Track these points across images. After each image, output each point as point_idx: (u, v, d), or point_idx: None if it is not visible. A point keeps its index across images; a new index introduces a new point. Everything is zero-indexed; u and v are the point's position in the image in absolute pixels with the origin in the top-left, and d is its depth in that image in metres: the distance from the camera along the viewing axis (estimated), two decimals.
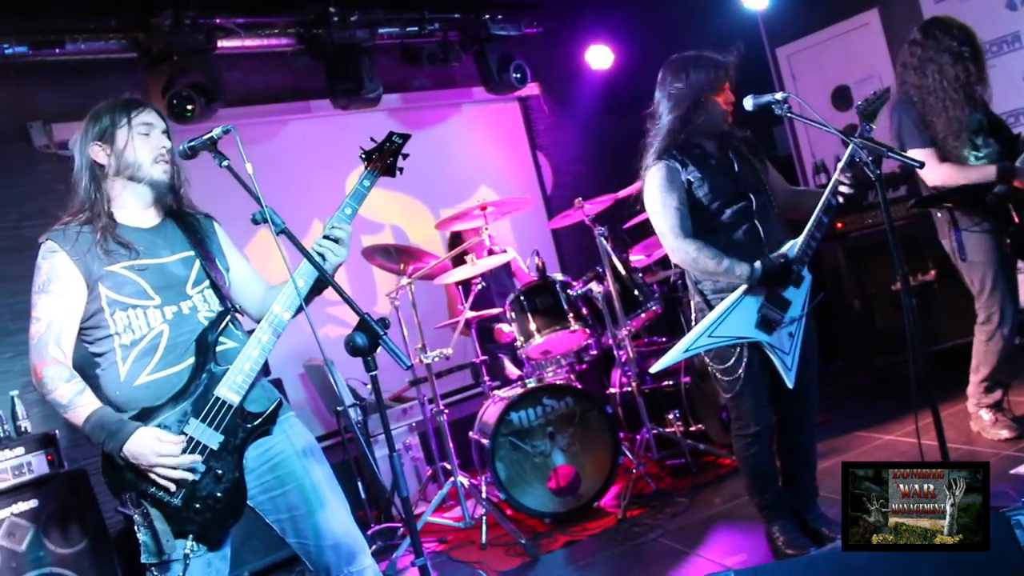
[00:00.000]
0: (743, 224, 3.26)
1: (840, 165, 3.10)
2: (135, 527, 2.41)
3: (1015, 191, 3.91)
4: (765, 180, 3.36)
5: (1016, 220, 3.96)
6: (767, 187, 3.35)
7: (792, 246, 3.20)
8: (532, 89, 7.35)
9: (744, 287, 3.16)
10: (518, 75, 6.80)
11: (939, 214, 4.10)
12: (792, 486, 3.51)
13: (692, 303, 3.48)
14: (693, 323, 3.36)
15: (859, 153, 2.96)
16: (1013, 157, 3.94)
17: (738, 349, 3.25)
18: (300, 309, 2.51)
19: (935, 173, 3.93)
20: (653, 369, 3.38)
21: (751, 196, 3.28)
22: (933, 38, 3.96)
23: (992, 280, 4.00)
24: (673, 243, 3.23)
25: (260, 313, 2.58)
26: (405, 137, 2.74)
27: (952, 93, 3.89)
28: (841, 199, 3.13)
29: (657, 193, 3.26)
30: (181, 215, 2.65)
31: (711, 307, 3.27)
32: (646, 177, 3.32)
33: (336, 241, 2.54)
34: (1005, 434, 4.06)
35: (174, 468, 2.32)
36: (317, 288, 2.58)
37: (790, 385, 3.21)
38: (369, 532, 4.81)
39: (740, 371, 3.26)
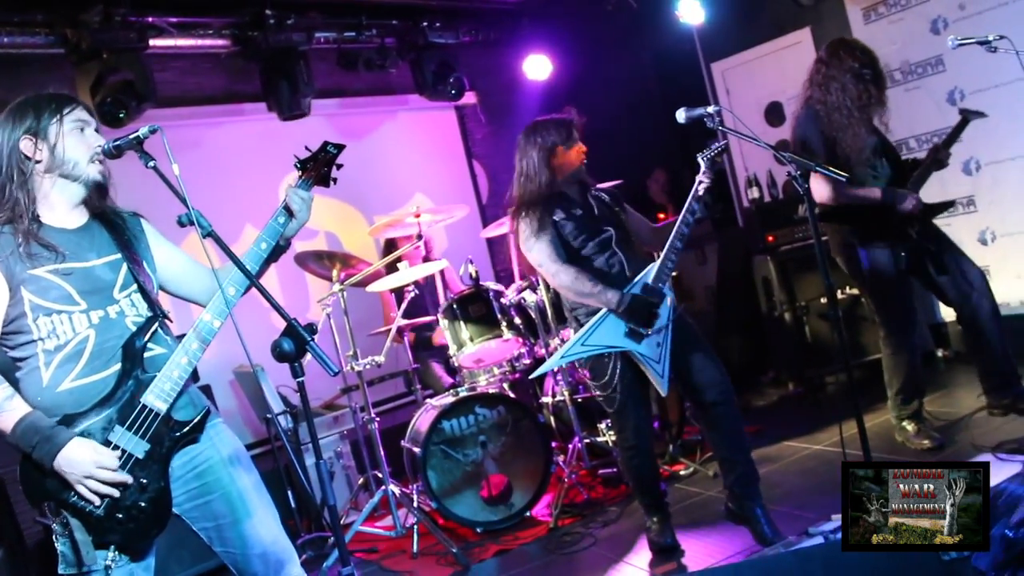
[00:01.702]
0: (605, 253, 3.62)
1: (693, 190, 3.47)
2: (53, 537, 2.32)
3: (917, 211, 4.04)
4: (624, 219, 3.74)
5: (912, 238, 4.08)
6: (625, 223, 3.72)
7: (650, 270, 3.48)
8: (469, 98, 7.34)
9: None
10: (454, 86, 6.78)
11: (839, 228, 4.18)
12: (728, 471, 3.63)
13: (570, 329, 3.77)
14: None
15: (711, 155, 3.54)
16: (902, 181, 4.10)
17: (612, 365, 3.53)
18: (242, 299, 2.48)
19: (822, 190, 4.02)
20: (533, 375, 3.79)
21: (611, 229, 3.63)
22: (837, 57, 4.09)
23: (892, 295, 4.11)
24: (553, 268, 3.55)
25: (211, 298, 2.52)
26: (340, 147, 2.71)
27: (854, 112, 4.01)
28: (693, 218, 3.47)
29: (531, 232, 3.60)
30: (107, 216, 2.56)
31: None
32: (518, 221, 3.65)
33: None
34: (927, 443, 4.15)
35: (109, 483, 2.26)
36: (273, 257, 2.61)
37: (663, 393, 3.51)
38: (299, 541, 4.73)
39: (616, 385, 3.54)
